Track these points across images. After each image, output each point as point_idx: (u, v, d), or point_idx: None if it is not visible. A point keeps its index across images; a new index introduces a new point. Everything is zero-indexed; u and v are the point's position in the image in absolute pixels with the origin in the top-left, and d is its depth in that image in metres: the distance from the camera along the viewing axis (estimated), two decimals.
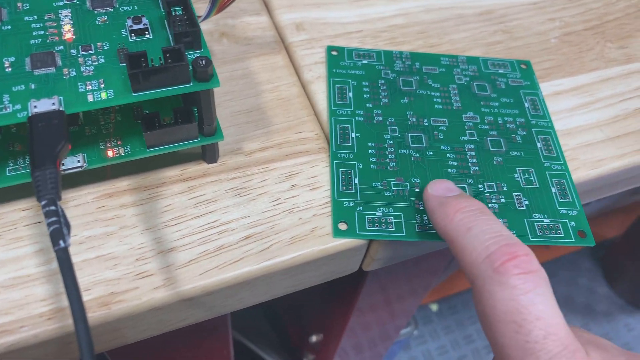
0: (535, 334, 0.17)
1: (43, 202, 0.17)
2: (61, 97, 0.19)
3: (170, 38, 0.22)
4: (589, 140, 0.28)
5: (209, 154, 0.24)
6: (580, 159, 0.28)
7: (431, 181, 0.24)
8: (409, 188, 0.25)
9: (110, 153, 0.22)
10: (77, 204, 0.23)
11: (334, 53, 0.30)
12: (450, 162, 0.26)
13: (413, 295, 0.52)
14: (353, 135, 0.27)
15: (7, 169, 0.21)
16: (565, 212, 0.25)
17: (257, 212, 0.24)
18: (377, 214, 0.24)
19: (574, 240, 0.24)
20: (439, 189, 0.23)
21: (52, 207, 0.17)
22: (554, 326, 0.17)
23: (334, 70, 0.29)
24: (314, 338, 0.61)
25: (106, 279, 0.21)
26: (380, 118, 0.28)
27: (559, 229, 0.25)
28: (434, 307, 1.03)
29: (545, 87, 0.31)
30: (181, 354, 0.39)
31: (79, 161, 0.22)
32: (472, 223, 0.20)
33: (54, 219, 0.16)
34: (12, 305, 0.20)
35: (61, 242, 0.16)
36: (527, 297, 0.18)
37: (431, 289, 0.51)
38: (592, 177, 0.27)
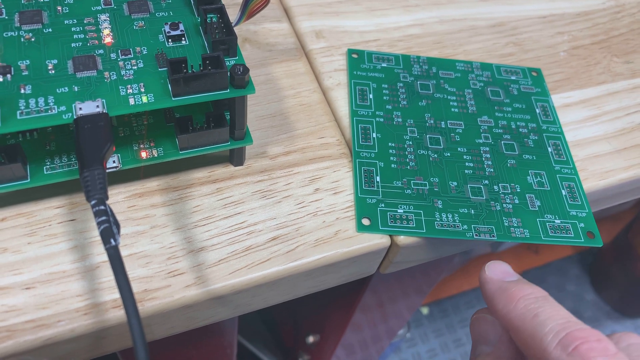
0: None
1: (93, 202, 0.17)
2: (104, 100, 0.20)
3: (207, 45, 0.22)
4: (597, 152, 0.30)
5: (236, 157, 0.25)
6: (588, 169, 0.29)
7: (488, 263, 0.22)
8: (428, 187, 0.26)
9: (143, 154, 0.23)
10: (109, 202, 0.24)
11: (355, 56, 0.31)
12: (466, 164, 0.27)
13: (411, 299, 0.53)
14: (374, 135, 0.28)
15: (45, 167, 0.22)
16: (574, 213, 0.27)
17: (283, 214, 0.25)
18: (399, 210, 0.25)
19: (583, 240, 0.26)
20: (497, 272, 0.22)
21: (102, 207, 0.17)
22: None
23: (355, 72, 0.30)
24: (310, 338, 0.62)
25: (139, 276, 0.22)
26: (400, 119, 0.29)
27: (569, 230, 0.26)
28: (425, 310, 1.04)
29: (555, 99, 0.32)
30: (187, 352, 0.40)
31: (114, 162, 0.22)
32: (538, 310, 0.19)
33: (103, 217, 0.17)
34: (49, 300, 0.21)
35: (112, 241, 0.17)
36: None
37: (430, 291, 0.53)
38: (600, 188, 0.28)
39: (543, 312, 0.19)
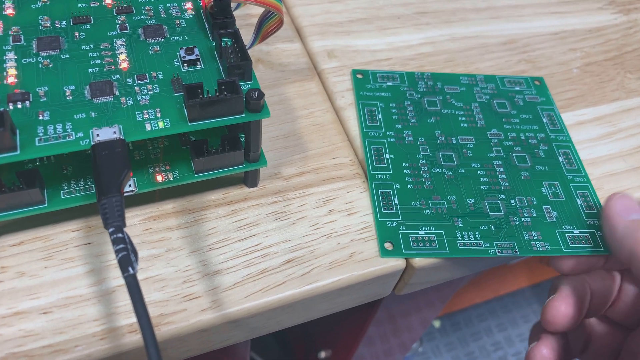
0: None
1: (111, 230, 0.17)
2: (120, 126, 0.20)
3: (222, 69, 0.23)
4: (612, 170, 0.29)
5: (250, 179, 0.25)
6: (604, 188, 0.29)
7: (611, 196, 0.24)
8: (446, 206, 0.26)
9: (159, 178, 0.23)
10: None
11: (359, 76, 0.31)
12: (481, 179, 0.27)
13: (425, 314, 0.52)
14: (387, 156, 0.28)
15: (62, 192, 0.22)
16: (592, 222, 0.26)
17: (297, 236, 0.25)
18: (420, 232, 0.25)
19: (603, 249, 0.25)
20: (621, 208, 0.23)
21: (120, 235, 0.17)
22: None
23: (362, 93, 0.30)
24: (322, 354, 0.61)
25: (155, 300, 0.22)
26: (411, 138, 0.29)
27: (589, 239, 0.26)
28: (437, 323, 1.03)
29: (569, 117, 0.32)
30: None
31: (130, 185, 0.22)
32: None
33: (121, 246, 0.17)
34: (66, 325, 0.21)
35: (130, 269, 0.17)
36: None
37: (443, 306, 0.52)
38: None
39: None
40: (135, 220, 0.24)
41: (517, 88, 0.32)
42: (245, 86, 0.22)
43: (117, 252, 0.17)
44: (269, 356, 0.74)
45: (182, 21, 0.24)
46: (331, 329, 0.56)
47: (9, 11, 0.23)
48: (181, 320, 0.22)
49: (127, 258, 0.17)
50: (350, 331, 0.50)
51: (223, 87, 0.21)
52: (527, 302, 1.03)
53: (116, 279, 0.22)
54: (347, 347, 0.53)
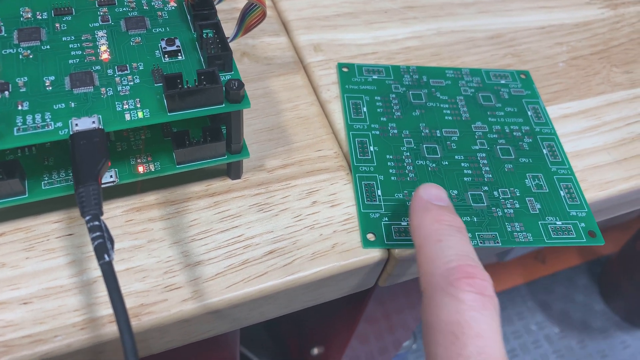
0: (470, 350, 0.17)
1: (87, 218, 0.17)
2: (100, 116, 0.20)
3: (202, 60, 0.23)
4: (597, 163, 0.29)
5: (233, 171, 0.25)
6: (588, 180, 0.29)
7: (426, 183, 0.23)
8: None
9: (140, 169, 0.23)
10: (106, 217, 0.24)
11: (345, 70, 0.31)
12: (465, 171, 0.27)
13: (417, 309, 0.52)
14: (371, 148, 0.28)
15: (43, 182, 0.22)
16: (574, 213, 0.27)
17: (280, 227, 0.25)
18: (402, 223, 0.25)
19: (585, 240, 0.26)
20: (430, 194, 0.22)
21: (96, 223, 0.17)
22: (491, 347, 0.17)
23: (347, 86, 0.30)
24: (315, 350, 0.61)
25: (136, 290, 0.22)
26: (395, 131, 0.29)
27: (571, 231, 0.26)
28: None
29: (554, 110, 0.32)
30: None
31: (111, 176, 0.22)
32: (444, 236, 0.20)
33: (98, 233, 0.17)
34: (46, 315, 0.21)
35: (106, 256, 0.17)
36: (472, 314, 0.18)
37: None
38: (600, 199, 0.28)
39: (448, 239, 0.20)
40: (118, 212, 0.24)
41: (503, 81, 0.32)
42: (225, 77, 0.22)
43: (93, 240, 0.17)
44: (262, 353, 0.74)
45: (164, 13, 0.24)
46: (324, 325, 0.56)
47: None
48: (162, 310, 0.22)
49: (103, 245, 0.17)
50: (342, 327, 0.50)
51: (202, 77, 0.21)
52: (522, 299, 1.03)
53: (97, 269, 0.22)
54: (339, 343, 0.53)
